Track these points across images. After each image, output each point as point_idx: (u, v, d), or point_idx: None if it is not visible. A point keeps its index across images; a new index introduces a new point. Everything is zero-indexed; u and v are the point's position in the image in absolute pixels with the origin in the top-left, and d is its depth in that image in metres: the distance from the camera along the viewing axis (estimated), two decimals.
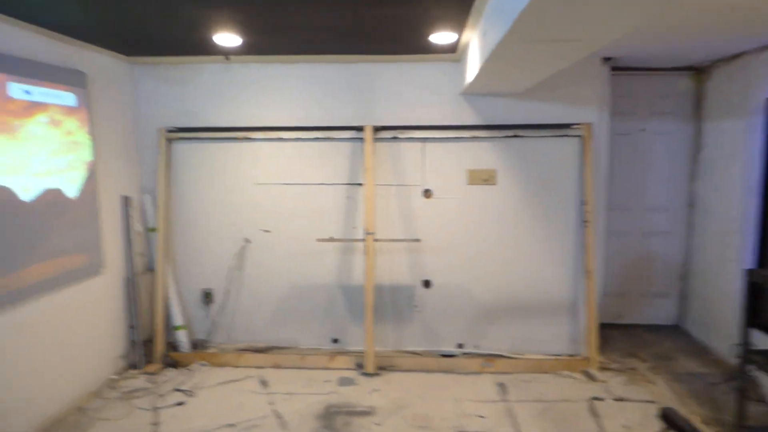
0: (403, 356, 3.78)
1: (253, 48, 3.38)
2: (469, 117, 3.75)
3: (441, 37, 3.02)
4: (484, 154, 3.78)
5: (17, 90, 2.74)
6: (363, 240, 3.73)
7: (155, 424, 2.93)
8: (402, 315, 3.92)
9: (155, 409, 3.09)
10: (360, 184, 3.83)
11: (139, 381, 3.47)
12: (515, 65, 2.59)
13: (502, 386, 3.40)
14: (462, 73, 3.53)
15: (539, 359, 3.74)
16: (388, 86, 3.77)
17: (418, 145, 3.80)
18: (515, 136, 3.73)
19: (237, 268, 4.00)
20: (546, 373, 3.59)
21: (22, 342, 2.76)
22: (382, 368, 3.63)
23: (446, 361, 3.70)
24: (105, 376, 3.46)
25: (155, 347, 3.75)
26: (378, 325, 3.83)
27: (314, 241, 3.89)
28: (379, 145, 3.79)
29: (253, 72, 3.83)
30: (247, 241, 3.98)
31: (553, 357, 3.78)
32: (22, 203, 2.76)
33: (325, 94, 3.81)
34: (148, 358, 3.74)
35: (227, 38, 3.06)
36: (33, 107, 2.85)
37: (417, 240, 3.82)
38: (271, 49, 3.46)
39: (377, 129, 3.74)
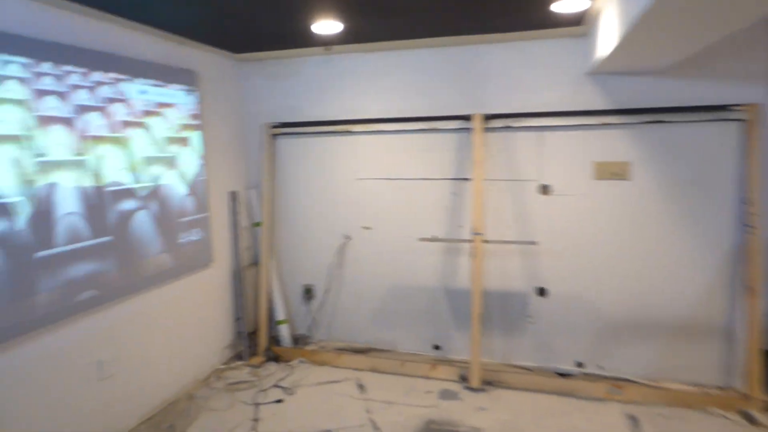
0: (512, 371, 3.40)
1: (354, 36, 3.21)
2: (596, 100, 3.22)
3: (566, 4, 2.57)
4: (614, 143, 3.22)
5: (134, 90, 2.85)
6: (470, 241, 3.40)
7: (255, 420, 2.92)
8: (512, 325, 3.53)
9: (256, 404, 3.09)
10: (467, 179, 3.50)
11: (243, 373, 3.52)
12: (670, 33, 2.07)
13: (633, 420, 2.87)
14: (590, 48, 3.03)
15: (681, 390, 3.12)
16: (500, 69, 3.37)
17: (535, 134, 3.36)
18: (656, 121, 3.12)
19: (337, 265, 3.91)
20: (690, 408, 2.98)
21: (140, 329, 2.90)
22: (488, 383, 3.29)
23: (563, 381, 3.25)
24: (212, 366, 3.57)
25: (259, 340, 3.80)
26: (485, 334, 3.49)
27: (416, 240, 3.65)
28: (490, 135, 3.42)
29: (353, 62, 3.67)
30: (348, 237, 3.86)
31: (700, 389, 3.14)
32: (139, 198, 2.88)
33: (428, 81, 3.53)
34: (252, 350, 3.80)
35: (328, 26, 2.91)
36: (148, 106, 2.96)
37: (532, 242, 3.39)
38: (371, 36, 3.26)
39: (487, 117, 3.37)
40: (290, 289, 4.09)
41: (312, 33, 3.08)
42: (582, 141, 3.28)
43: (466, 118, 3.42)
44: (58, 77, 2.39)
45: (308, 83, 3.81)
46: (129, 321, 2.83)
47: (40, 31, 2.30)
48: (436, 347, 3.72)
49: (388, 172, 3.70)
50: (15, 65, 2.20)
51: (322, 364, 3.64)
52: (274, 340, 3.94)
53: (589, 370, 3.39)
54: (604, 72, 3.14)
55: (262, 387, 3.30)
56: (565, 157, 3.32)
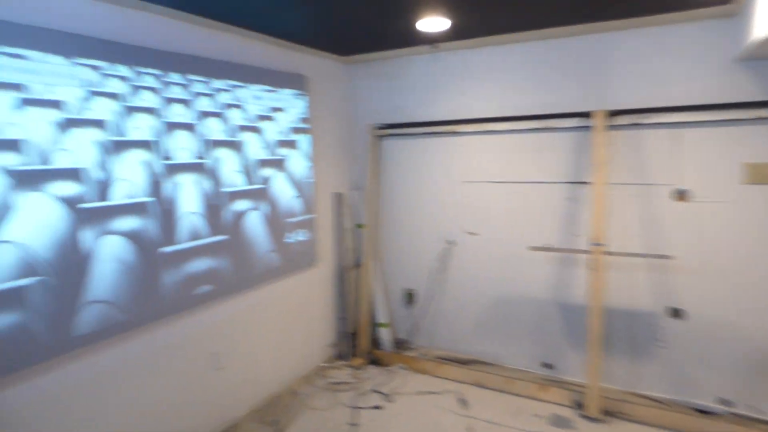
0: (637, 401, 2.98)
1: (461, 32, 3.05)
2: (749, 91, 2.70)
3: None
4: None
5: (249, 96, 2.99)
6: (588, 252, 3.06)
7: (353, 424, 2.90)
8: (638, 348, 3.11)
9: (355, 407, 3.07)
10: (586, 183, 3.16)
11: (344, 373, 3.54)
12: None
13: None
14: (741, 30, 2.54)
15: None
16: (627, 59, 2.98)
17: (668, 132, 2.92)
18: None
19: (440, 271, 3.77)
20: None
21: (250, 323, 3.03)
22: (608, 413, 2.92)
23: (704, 420, 2.77)
24: (316, 363, 3.64)
25: (360, 341, 3.80)
26: (604, 356, 3.11)
27: (526, 249, 3.38)
28: (614, 134, 3.05)
29: (460, 59, 3.51)
30: (452, 242, 3.71)
31: None
32: (252, 199, 3.01)
33: (542, 77, 3.24)
34: (354, 351, 3.81)
35: (434, 23, 2.79)
36: (262, 110, 3.08)
37: (665, 256, 2.95)
38: (480, 31, 3.07)
39: (611, 114, 3.01)
40: (392, 292, 4.04)
41: (418, 31, 2.99)
42: (728, 138, 2.77)
43: (585, 115, 3.08)
44: (184, 86, 2.58)
45: (414, 83, 3.73)
46: (240, 316, 2.97)
47: (169, 44, 2.49)
48: (547, 366, 3.41)
49: (496, 174, 3.48)
50: (148, 76, 2.40)
51: (422, 372, 3.53)
52: (375, 342, 3.91)
53: (738, 410, 2.86)
54: (762, 57, 2.62)
55: (361, 390, 3.28)
56: (706, 158, 2.83)
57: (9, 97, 1.88)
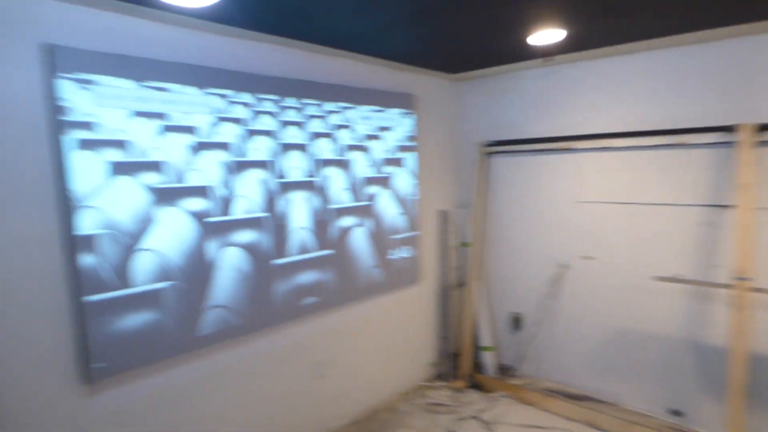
0: None
1: (577, 42, 2.85)
2: None
3: None
4: None
5: (358, 116, 3.11)
6: (730, 286, 2.63)
7: None
8: None
9: None
10: (727, 207, 2.74)
11: (443, 394, 3.47)
12: None
13: None
14: None
15: None
16: None
17: None
18: None
19: (551, 296, 3.53)
20: None
21: (351, 336, 3.12)
22: None
23: None
24: (415, 382, 3.62)
25: (462, 364, 3.69)
26: (750, 410, 2.64)
27: (651, 279, 3.02)
28: (763, 151, 2.61)
29: (577, 72, 3.28)
30: (565, 267, 3.45)
31: None
32: (357, 215, 3.11)
33: (673, 87, 2.89)
34: (455, 373, 3.72)
35: (548, 35, 2.65)
36: (369, 130, 3.19)
37: None
38: (598, 41, 2.85)
39: (761, 128, 2.58)
40: (497, 315, 3.88)
41: (529, 45, 2.87)
42: None
43: (727, 129, 2.68)
44: (298, 109, 2.76)
45: (525, 98, 3.57)
46: (343, 328, 3.07)
47: (286, 72, 2.70)
48: (675, 413, 2.99)
49: (616, 194, 3.17)
50: (268, 102, 2.62)
51: (527, 403, 3.32)
52: (478, 366, 3.77)
53: None
54: None
55: (460, 414, 3.18)
56: None
57: (154, 124, 2.18)
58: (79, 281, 1.97)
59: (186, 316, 2.29)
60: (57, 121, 1.90)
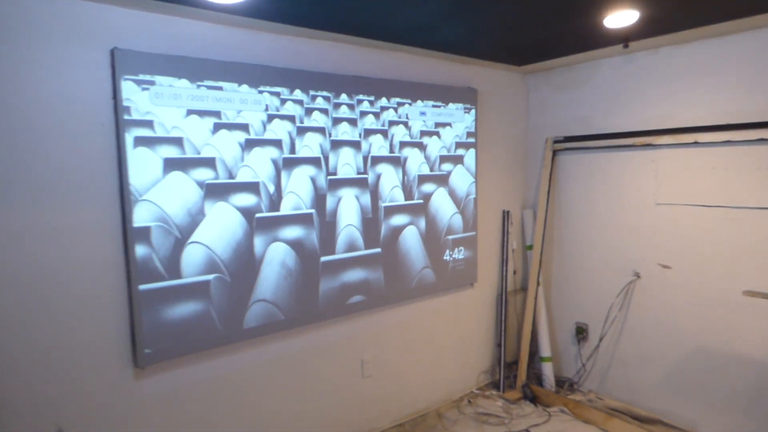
0: None
1: (657, 25, 2.54)
2: None
3: None
4: None
5: (414, 112, 3.02)
6: None
7: None
8: None
9: None
10: None
11: (495, 404, 3.31)
12: None
13: None
14: None
15: None
16: None
17: None
18: None
19: (620, 307, 3.24)
20: None
21: (399, 337, 3.07)
22: None
23: None
24: (466, 389, 3.49)
25: (518, 373, 3.51)
26: None
27: (740, 293, 2.65)
28: None
29: (659, 59, 2.94)
30: (637, 275, 3.14)
31: None
32: (409, 214, 3.04)
33: None
34: (510, 383, 3.54)
35: (622, 17, 2.39)
36: (426, 126, 3.09)
37: None
38: (680, 23, 2.52)
39: None
40: (559, 324, 3.63)
41: (604, 29, 2.60)
42: None
43: None
44: (351, 106, 2.74)
45: (601, 90, 3.28)
46: (390, 328, 3.02)
47: (340, 68, 2.68)
48: None
49: (703, 196, 2.82)
50: (320, 98, 2.62)
51: (586, 421, 3.07)
52: (535, 377, 3.56)
53: None
54: None
55: (511, 428, 3.01)
56: None
57: (209, 122, 2.26)
58: (134, 271, 2.09)
59: (232, 308, 2.36)
60: (120, 120, 2.02)
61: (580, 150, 3.43)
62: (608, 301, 3.29)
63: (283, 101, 2.48)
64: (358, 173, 2.79)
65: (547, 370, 3.49)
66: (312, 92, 2.58)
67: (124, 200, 2.06)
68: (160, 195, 2.13)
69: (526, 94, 3.74)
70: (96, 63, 1.97)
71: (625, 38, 2.79)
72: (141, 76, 2.05)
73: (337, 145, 2.69)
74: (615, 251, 3.26)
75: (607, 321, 3.29)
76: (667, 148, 2.96)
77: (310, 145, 2.59)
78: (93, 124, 1.98)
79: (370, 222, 2.86)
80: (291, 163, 2.53)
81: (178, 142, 2.17)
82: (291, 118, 2.52)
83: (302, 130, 2.56)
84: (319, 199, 2.64)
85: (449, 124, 3.22)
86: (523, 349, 3.52)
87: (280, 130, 2.48)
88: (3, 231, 1.80)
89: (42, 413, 1.91)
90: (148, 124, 2.09)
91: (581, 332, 3.46)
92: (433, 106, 3.13)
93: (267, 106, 2.43)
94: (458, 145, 3.28)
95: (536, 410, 3.22)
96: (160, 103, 2.11)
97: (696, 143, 2.82)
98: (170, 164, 2.15)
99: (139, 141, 2.07)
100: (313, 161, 2.61)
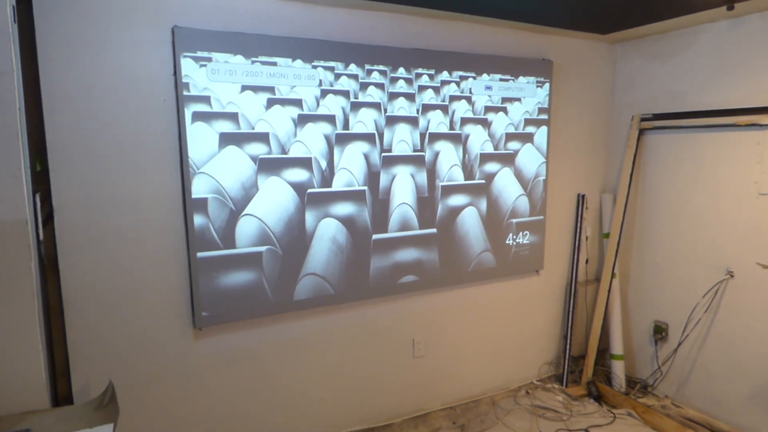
0: None
1: None
2: None
3: None
4: None
5: (478, 86, 2.85)
6: None
7: None
8: None
9: None
10: None
11: (555, 398, 3.13)
12: None
13: None
14: None
15: None
16: None
17: None
18: None
19: (707, 308, 2.87)
20: None
21: (454, 320, 2.99)
22: None
23: None
24: (526, 379, 3.34)
25: (584, 369, 3.27)
26: None
27: None
28: None
29: None
30: (731, 274, 2.76)
31: None
32: (470, 194, 2.91)
33: None
34: (575, 377, 3.32)
35: None
36: (491, 101, 2.91)
37: None
38: None
39: None
40: (634, 321, 3.32)
41: None
42: None
43: None
44: (409, 80, 2.65)
45: (700, 61, 2.86)
46: (444, 310, 2.95)
47: (397, 40, 2.59)
48: None
49: None
50: (376, 73, 2.56)
51: (656, 428, 2.80)
52: (603, 374, 3.31)
53: None
54: None
55: (569, 425, 2.83)
56: None
57: (263, 98, 2.30)
58: (192, 239, 2.22)
59: (283, 280, 2.44)
60: (180, 96, 2.13)
61: (671, 129, 3.04)
62: (693, 300, 2.93)
63: (338, 76, 2.46)
64: (415, 150, 2.71)
65: (618, 368, 3.22)
66: (368, 66, 2.53)
67: (184, 173, 2.18)
68: (216, 168, 2.22)
69: (612, 66, 3.37)
70: (158, 41, 2.07)
71: (732, 0, 2.38)
72: (199, 53, 2.13)
73: (392, 121, 2.63)
74: (705, 245, 2.88)
75: (691, 322, 2.94)
76: None
77: (364, 121, 2.56)
78: (156, 100, 2.10)
79: (425, 201, 2.78)
80: (344, 139, 2.52)
81: (233, 117, 2.24)
82: (345, 93, 2.49)
83: (356, 106, 2.53)
84: (372, 176, 2.61)
85: (518, 100, 3.01)
86: (591, 344, 3.27)
87: (333, 105, 2.47)
88: (80, 200, 1.99)
89: (112, 362, 2.12)
90: (206, 99, 2.17)
91: (660, 332, 3.13)
92: (501, 79, 2.93)
93: (321, 81, 2.42)
94: (528, 122, 3.06)
95: (600, 410, 2.99)
96: (217, 79, 2.19)
97: None
98: (225, 139, 2.23)
99: (197, 116, 2.16)
100: (367, 137, 2.57)
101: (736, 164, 2.70)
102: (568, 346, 3.34)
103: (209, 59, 2.16)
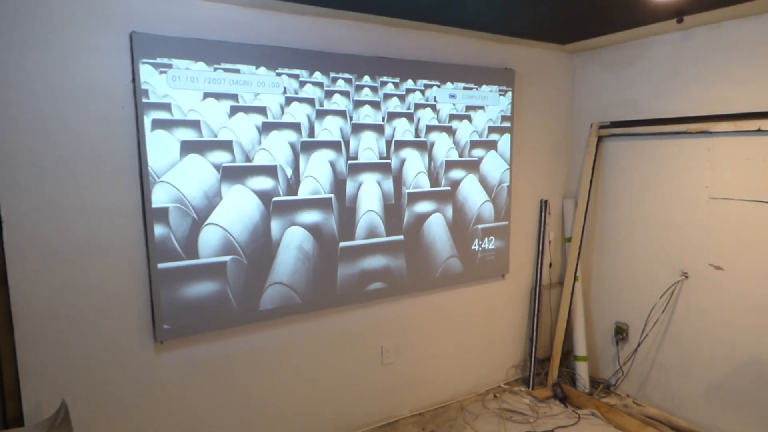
0: None
1: None
2: None
3: None
4: None
5: (442, 95, 2.89)
6: None
7: None
8: None
9: None
10: None
11: (522, 401, 3.18)
12: None
13: None
14: None
15: None
16: None
17: None
18: None
19: (664, 309, 2.98)
20: None
21: (422, 326, 3.00)
22: None
23: None
24: (493, 383, 3.38)
25: (550, 371, 3.34)
26: None
27: None
28: None
29: (718, 35, 2.62)
30: (685, 275, 2.87)
31: None
32: (435, 201, 2.94)
33: None
34: (540, 380, 3.38)
35: None
36: (455, 110, 2.95)
37: None
38: None
39: None
40: (597, 323, 3.41)
41: (655, 2, 2.34)
42: None
43: None
44: (374, 88, 2.66)
45: (652, 70, 2.99)
46: (412, 317, 2.96)
47: (362, 48, 2.60)
48: None
49: (763, 191, 2.51)
50: (341, 80, 2.56)
51: (619, 427, 2.87)
52: (568, 376, 3.38)
53: None
54: None
55: (536, 427, 2.88)
56: None
57: (226, 105, 2.27)
58: (153, 249, 2.16)
59: (248, 290, 2.40)
60: (139, 103, 2.07)
61: (627, 136, 3.15)
62: (651, 301, 3.04)
63: (302, 84, 2.45)
64: (381, 158, 2.73)
65: (581, 369, 3.30)
66: (333, 74, 2.53)
67: (143, 181, 2.12)
68: (177, 177, 2.17)
69: (571, 75, 3.48)
70: (116, 47, 2.02)
71: (679, 12, 2.50)
72: (159, 60, 2.09)
73: (358, 128, 2.64)
74: (662, 248, 2.99)
75: (649, 322, 3.05)
76: (725, 135, 2.65)
77: (329, 129, 2.55)
78: (114, 107, 2.04)
79: (392, 208, 2.79)
80: (310, 146, 2.50)
81: (195, 124, 2.20)
82: (310, 101, 2.48)
83: (322, 113, 2.52)
84: (338, 184, 2.60)
85: (482, 108, 3.07)
86: (556, 346, 3.35)
87: (298, 113, 2.46)
88: (31, 210, 1.91)
89: (66, 379, 2.03)
90: (166, 106, 2.12)
91: (621, 332, 3.23)
92: (465, 88, 2.98)
93: (285, 88, 2.40)
94: (491, 129, 3.12)
95: (565, 411, 3.05)
96: (177, 86, 2.14)
97: (759, 131, 2.50)
98: (187, 147, 2.19)
99: (157, 123, 2.11)
100: (333, 145, 2.57)
101: (689, 169, 2.83)
102: (533, 349, 3.41)
103: (169, 66, 2.11)
